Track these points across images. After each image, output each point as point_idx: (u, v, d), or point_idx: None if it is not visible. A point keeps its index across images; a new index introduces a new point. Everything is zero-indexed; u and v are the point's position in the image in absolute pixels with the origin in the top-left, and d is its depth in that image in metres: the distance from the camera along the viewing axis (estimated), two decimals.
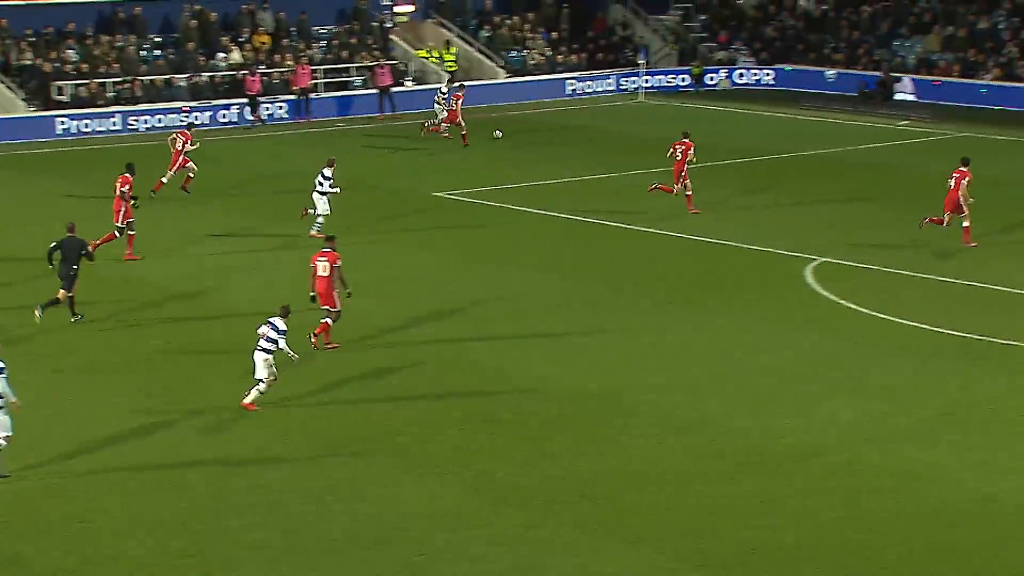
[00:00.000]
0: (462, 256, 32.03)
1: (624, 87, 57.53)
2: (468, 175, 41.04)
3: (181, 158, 37.00)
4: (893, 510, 18.67)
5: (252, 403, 22.31)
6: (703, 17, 61.43)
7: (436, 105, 46.89)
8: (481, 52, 57.35)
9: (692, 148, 35.02)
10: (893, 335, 26.04)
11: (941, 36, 54.76)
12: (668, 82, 58.21)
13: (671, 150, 35.47)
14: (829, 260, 30.92)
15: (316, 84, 52.75)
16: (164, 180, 37.09)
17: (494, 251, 32.60)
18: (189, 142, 37.26)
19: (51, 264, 26.94)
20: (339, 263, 25.13)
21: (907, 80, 53.37)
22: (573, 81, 57.15)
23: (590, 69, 57.92)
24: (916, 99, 52.85)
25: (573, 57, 58.24)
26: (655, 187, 35.58)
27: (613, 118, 52.19)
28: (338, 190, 32.88)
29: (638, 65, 57.42)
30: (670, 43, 60.26)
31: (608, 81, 57.72)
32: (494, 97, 55.16)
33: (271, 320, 22.46)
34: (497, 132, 45.36)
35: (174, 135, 37.99)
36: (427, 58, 56.18)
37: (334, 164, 33.13)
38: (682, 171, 34.93)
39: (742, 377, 23.87)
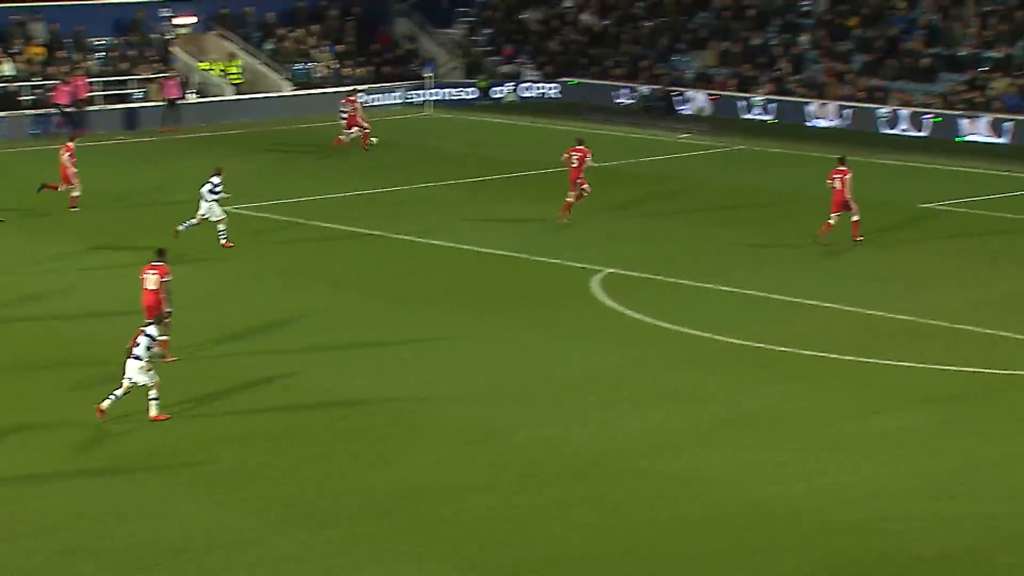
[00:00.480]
0: (248, 272, 31.57)
1: (412, 100, 57.59)
2: (253, 189, 40.49)
3: None
4: (673, 516, 18.98)
5: (159, 414, 22.11)
6: (488, 31, 61.91)
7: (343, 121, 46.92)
8: (266, 65, 56.75)
9: (589, 155, 35.63)
10: (676, 344, 26.51)
11: (717, 51, 56.16)
12: (455, 95, 58.45)
13: (566, 155, 35.90)
14: (615, 271, 31.35)
15: (92, 97, 51.53)
16: None
17: (281, 266, 32.24)
18: None
19: None
20: (169, 277, 24.85)
21: (699, 95, 54.55)
22: (361, 94, 56.89)
23: (377, 82, 57.81)
24: (705, 112, 54.03)
25: (360, 70, 58.05)
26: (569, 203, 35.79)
27: (401, 131, 52.15)
28: (228, 195, 33.21)
29: (425, 79, 57.56)
30: (456, 57, 60.57)
31: (396, 94, 57.69)
32: (280, 110, 54.70)
33: (144, 328, 22.21)
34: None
35: None
36: (210, 70, 55.37)
37: (222, 173, 33.25)
38: (578, 178, 35.43)
39: (529, 387, 24.02)
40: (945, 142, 47.55)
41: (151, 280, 24.84)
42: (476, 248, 33.58)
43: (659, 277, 30.96)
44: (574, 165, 35.52)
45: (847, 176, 32.75)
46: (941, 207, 37.89)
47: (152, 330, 22.33)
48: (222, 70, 55.33)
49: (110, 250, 33.42)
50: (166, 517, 18.86)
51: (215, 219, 33.09)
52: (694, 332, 26.99)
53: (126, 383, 22.02)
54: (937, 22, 52.51)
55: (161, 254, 25.42)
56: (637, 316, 28.13)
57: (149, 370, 22.06)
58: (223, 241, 33.15)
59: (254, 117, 54.13)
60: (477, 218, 36.97)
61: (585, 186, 35.48)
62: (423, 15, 61.85)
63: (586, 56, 59.10)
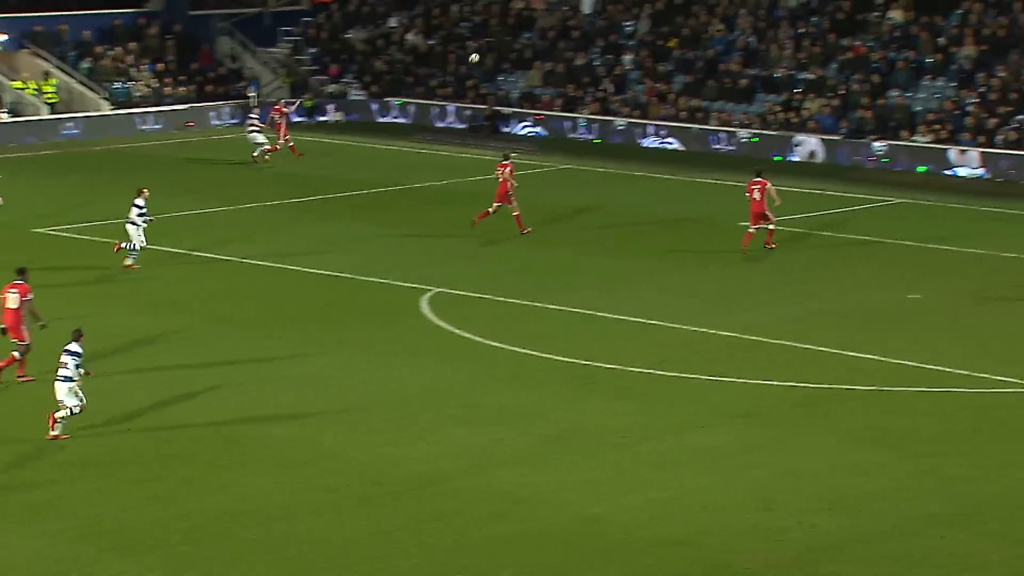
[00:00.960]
0: (76, 296, 30.92)
1: (236, 119, 57.02)
2: (71, 209, 39.76)
3: None
4: (504, 534, 19.13)
5: (59, 434, 21.82)
6: (313, 50, 61.65)
7: (254, 132, 46.16)
8: (83, 84, 55.67)
9: (511, 168, 36.34)
10: (506, 363, 26.72)
11: (542, 71, 56.77)
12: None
13: (497, 171, 36.40)
14: (444, 290, 31.49)
15: None
16: None
17: (103, 289, 31.71)
18: None
19: None
20: (30, 296, 24.50)
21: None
22: (183, 113, 56.26)
23: (200, 101, 57.11)
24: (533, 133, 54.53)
25: (181, 89, 57.31)
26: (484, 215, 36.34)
27: (227, 151, 51.57)
28: (152, 219, 33.02)
29: (249, 98, 57.06)
30: (281, 76, 60.18)
31: (219, 114, 57.05)
32: (100, 130, 53.74)
33: (67, 347, 21.84)
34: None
35: None
36: (23, 89, 54.17)
37: (146, 194, 33.04)
38: (507, 192, 35.86)
39: (358, 408, 23.99)
40: (764, 160, 48.79)
41: (12, 299, 24.47)
42: (304, 269, 33.42)
43: (487, 296, 31.19)
44: (501, 180, 36.14)
45: (765, 187, 34.19)
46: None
47: (74, 347, 22.00)
48: (36, 88, 54.17)
49: None
50: None
51: (133, 244, 32.76)
52: (523, 351, 27.23)
53: (73, 405, 21.86)
54: (754, 44, 53.86)
55: (22, 273, 24.99)
56: (466, 335, 28.29)
57: (75, 391, 21.86)
58: (129, 262, 32.80)
59: (71, 136, 53.09)
60: (305, 238, 36.78)
61: (515, 202, 36.22)
62: (246, 34, 61.30)
63: (412, 76, 59.22)
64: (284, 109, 47.66)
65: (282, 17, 63.18)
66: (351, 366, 26.31)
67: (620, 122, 52.88)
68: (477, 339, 27.99)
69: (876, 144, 46.96)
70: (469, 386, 25.22)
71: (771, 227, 34.53)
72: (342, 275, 32.83)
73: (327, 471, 21.22)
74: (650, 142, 52.21)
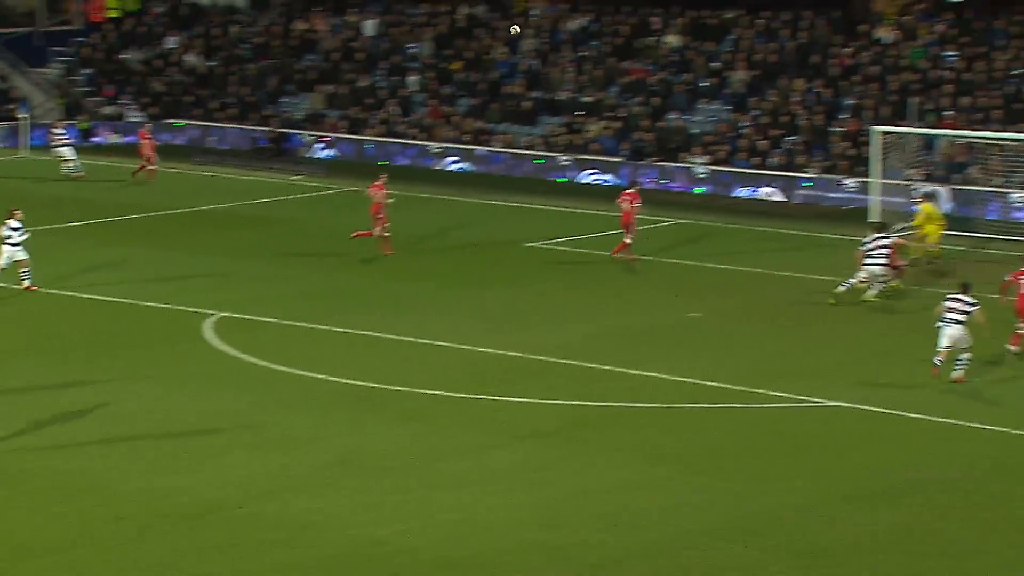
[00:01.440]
0: None
1: (7, 142, 55.48)
2: None
3: None
4: (289, 561, 18.96)
5: None
6: (87, 71, 60.39)
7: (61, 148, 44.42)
8: None
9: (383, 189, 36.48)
10: (291, 386, 26.54)
11: (325, 94, 56.61)
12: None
13: (368, 191, 36.70)
14: (227, 314, 31.12)
15: None
16: None
17: None
18: None
19: None
20: None
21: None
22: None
23: None
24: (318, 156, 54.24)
25: None
26: (356, 235, 36.43)
27: None
28: (27, 235, 32.43)
29: (20, 119, 55.59)
30: (54, 97, 58.79)
31: None
32: None
33: None
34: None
35: None
36: None
37: (18, 214, 32.68)
38: (378, 213, 35.88)
39: (139, 437, 23.51)
40: (546, 182, 49.52)
41: None
42: (82, 295, 32.66)
43: (273, 320, 30.94)
44: (376, 200, 36.34)
45: (636, 201, 36.35)
46: (544, 246, 39.35)
47: None
48: None
49: None
50: None
51: (17, 261, 32.48)
52: (309, 374, 27.10)
53: None
54: (537, 67, 54.63)
55: None
56: (252, 360, 28.01)
57: None
58: (26, 284, 32.50)
59: None
60: (84, 263, 35.92)
61: (386, 224, 36.46)
62: (15, 53, 59.79)
63: (193, 97, 58.44)
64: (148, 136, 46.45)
65: (54, 37, 61.82)
66: (130, 393, 25.78)
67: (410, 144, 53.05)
68: (262, 363, 27.74)
69: (699, 168, 47.93)
70: (253, 411, 24.95)
71: (627, 240, 36.17)
72: (122, 300, 32.19)
73: (104, 501, 20.72)
74: (437, 163, 52.48)
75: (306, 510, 20.63)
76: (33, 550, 19.04)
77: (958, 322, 26.72)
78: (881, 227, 33.78)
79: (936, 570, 19.04)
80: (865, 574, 18.76)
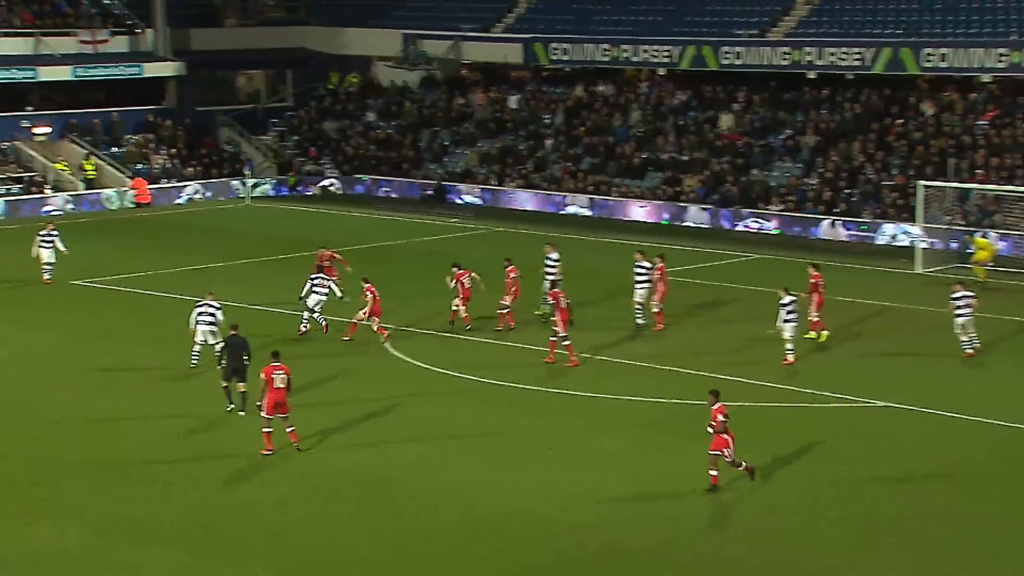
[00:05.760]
0: (82, 334, 30.78)
1: (234, 193, 57.08)
2: (104, 267, 39.71)
3: None
4: (441, 526, 19.26)
5: None
6: (295, 137, 61.88)
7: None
8: (111, 165, 55.61)
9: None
10: (446, 384, 26.91)
11: (478, 153, 57.21)
12: (270, 190, 58.11)
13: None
14: (404, 329, 31.55)
15: None
16: None
17: (112, 329, 31.65)
18: None
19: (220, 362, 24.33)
20: None
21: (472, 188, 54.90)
22: (192, 188, 56.34)
23: (206, 179, 57.14)
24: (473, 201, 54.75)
25: (190, 169, 57.35)
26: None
27: (227, 218, 51.59)
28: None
29: (245, 175, 57.18)
30: (270, 158, 60.31)
31: (221, 188, 57.10)
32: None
33: None
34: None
35: None
36: (64, 170, 54.05)
37: None
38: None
39: (332, 421, 24.02)
40: (649, 224, 49.52)
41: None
42: (285, 311, 33.34)
43: (432, 332, 31.26)
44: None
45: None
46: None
47: None
48: (82, 167, 54.22)
49: None
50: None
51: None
52: (459, 375, 27.28)
53: None
54: (644, 132, 54.62)
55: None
56: (417, 363, 28.41)
57: None
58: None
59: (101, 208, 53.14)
60: (284, 289, 36.60)
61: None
62: (242, 124, 61.55)
63: (375, 157, 59.50)
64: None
65: (271, 111, 63.52)
66: (332, 389, 26.28)
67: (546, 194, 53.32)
68: (423, 365, 28.00)
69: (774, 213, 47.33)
70: (412, 403, 25.23)
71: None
72: (329, 316, 32.80)
73: (312, 473, 21.26)
74: (567, 209, 52.72)
75: (463, 484, 20.92)
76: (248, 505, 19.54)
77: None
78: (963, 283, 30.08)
79: (976, 543, 18.70)
80: (913, 545, 18.51)
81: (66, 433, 23.49)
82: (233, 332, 24.79)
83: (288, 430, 22.31)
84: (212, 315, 26.85)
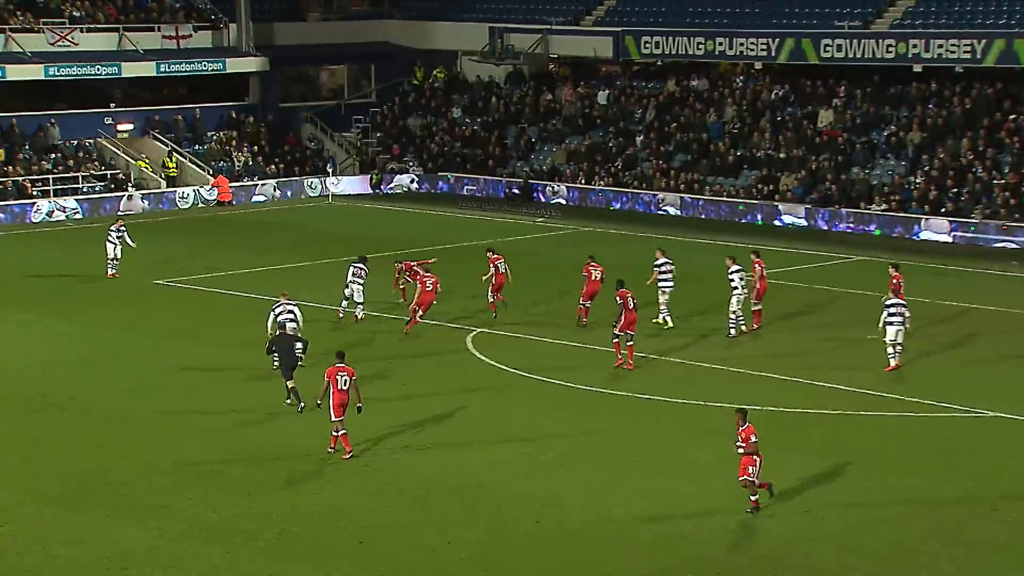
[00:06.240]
0: (162, 332, 31.47)
1: (317, 191, 57.88)
2: (185, 266, 40.58)
3: None
4: (536, 532, 19.47)
5: None
6: (379, 134, 62.54)
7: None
8: (192, 162, 56.76)
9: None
10: (535, 390, 27.08)
11: (565, 151, 57.35)
12: (352, 188, 58.86)
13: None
14: (484, 331, 31.89)
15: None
16: None
17: (191, 329, 32.32)
18: None
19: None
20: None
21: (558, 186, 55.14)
22: (273, 186, 57.25)
23: (288, 176, 58.05)
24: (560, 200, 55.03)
25: (272, 166, 58.29)
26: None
27: (308, 217, 52.36)
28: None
29: (327, 173, 57.95)
30: (353, 155, 61.05)
31: (303, 186, 57.95)
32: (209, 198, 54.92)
33: None
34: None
35: None
36: (145, 168, 55.30)
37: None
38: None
39: (419, 429, 24.35)
40: (744, 224, 49.22)
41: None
42: (382, 314, 33.81)
43: (519, 335, 31.49)
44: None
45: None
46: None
47: None
48: (164, 165, 55.43)
49: None
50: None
51: None
52: (548, 380, 27.48)
53: None
54: (740, 128, 54.31)
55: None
56: (502, 367, 28.64)
57: None
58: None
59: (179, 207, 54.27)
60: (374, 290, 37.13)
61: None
62: (325, 121, 62.36)
63: (460, 155, 59.92)
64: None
65: (354, 108, 64.21)
66: (418, 395, 26.64)
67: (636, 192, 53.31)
68: (510, 370, 28.27)
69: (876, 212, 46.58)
70: (504, 408, 25.45)
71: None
72: (405, 318, 33.19)
73: (396, 480, 21.55)
74: (653, 208, 52.63)
75: (546, 490, 21.09)
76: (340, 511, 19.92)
77: None
78: None
79: None
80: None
81: (149, 432, 24.10)
82: (281, 332, 25.97)
83: (341, 433, 22.74)
84: (292, 314, 27.40)
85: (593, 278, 31.92)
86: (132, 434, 24.08)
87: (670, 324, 31.67)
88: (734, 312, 31.04)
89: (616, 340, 28.33)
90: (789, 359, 29.18)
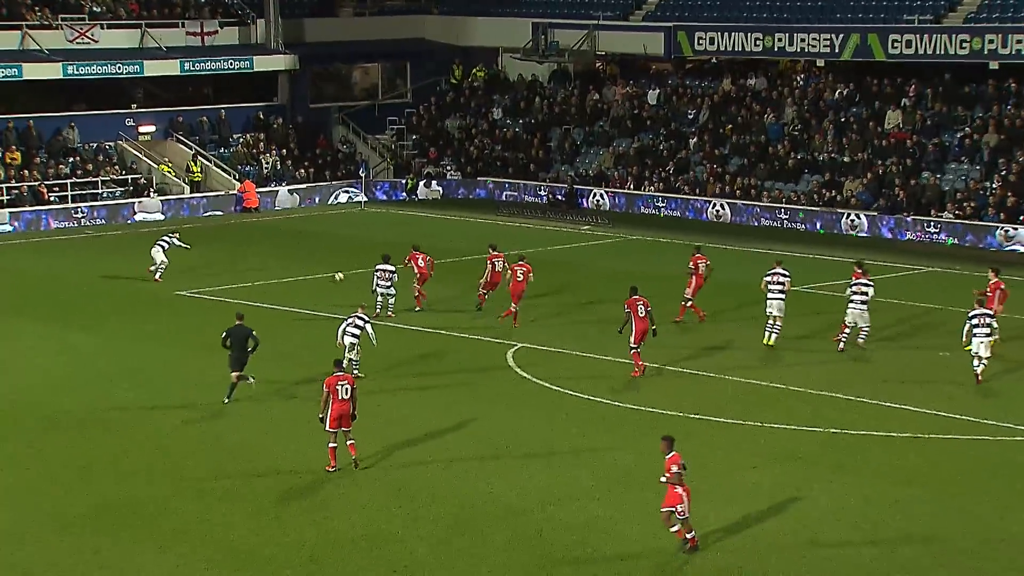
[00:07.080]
0: (185, 345, 31.76)
1: (349, 197, 58.17)
2: (209, 275, 40.85)
3: None
4: (582, 556, 19.46)
5: None
6: (415, 137, 62.78)
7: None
8: (218, 166, 57.19)
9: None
10: (579, 408, 27.08)
11: (613, 154, 57.37)
12: (386, 193, 59.15)
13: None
14: (526, 345, 31.94)
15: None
16: None
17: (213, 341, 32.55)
18: None
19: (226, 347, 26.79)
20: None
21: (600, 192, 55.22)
22: (303, 192, 57.59)
23: (318, 181, 58.38)
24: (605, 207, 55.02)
25: (302, 170, 58.65)
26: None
27: (339, 224, 52.62)
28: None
29: (360, 177, 58.23)
30: (387, 159, 61.30)
31: (334, 191, 58.26)
32: (227, 205, 55.21)
33: None
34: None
35: None
36: (168, 172, 55.77)
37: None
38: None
39: (453, 450, 24.44)
40: (804, 232, 49.03)
41: None
42: (409, 327, 33.92)
43: (564, 351, 31.53)
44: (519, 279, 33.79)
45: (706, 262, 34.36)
46: (806, 290, 38.79)
47: None
48: (188, 169, 55.84)
49: None
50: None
51: None
52: (593, 398, 27.55)
53: None
54: (800, 130, 54.13)
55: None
56: (545, 384, 28.67)
57: None
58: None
59: (211, 210, 54.64)
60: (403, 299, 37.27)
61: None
62: (358, 123, 62.65)
63: (500, 158, 60.05)
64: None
65: (388, 108, 64.47)
66: (452, 412, 26.77)
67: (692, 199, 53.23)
68: (554, 387, 28.31)
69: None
70: (548, 429, 25.51)
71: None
72: (441, 332, 33.33)
73: (430, 502, 21.64)
74: (706, 215, 52.53)
75: (593, 516, 21.10)
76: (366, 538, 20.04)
77: None
78: None
79: None
80: None
81: (173, 450, 24.28)
82: (239, 323, 26.98)
83: (348, 443, 22.87)
84: (360, 329, 28.28)
85: (699, 272, 33.86)
86: (155, 452, 24.28)
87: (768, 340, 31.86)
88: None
89: (634, 351, 28.70)
90: (855, 379, 29.03)
